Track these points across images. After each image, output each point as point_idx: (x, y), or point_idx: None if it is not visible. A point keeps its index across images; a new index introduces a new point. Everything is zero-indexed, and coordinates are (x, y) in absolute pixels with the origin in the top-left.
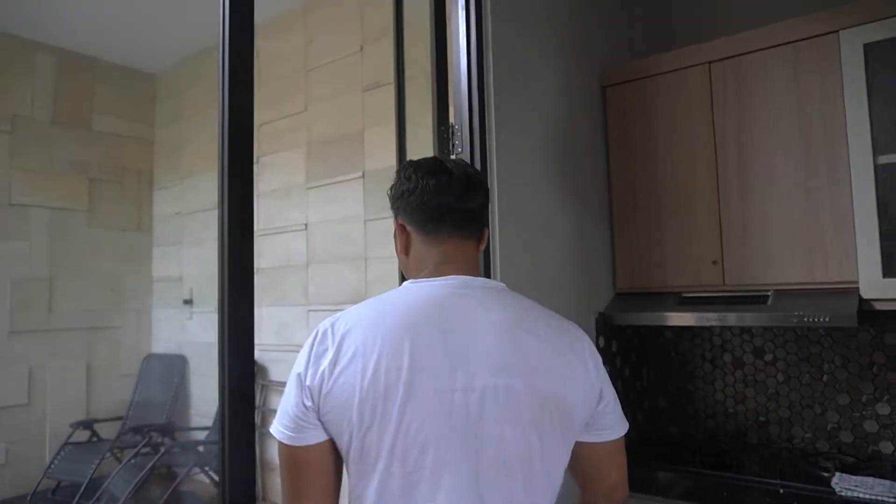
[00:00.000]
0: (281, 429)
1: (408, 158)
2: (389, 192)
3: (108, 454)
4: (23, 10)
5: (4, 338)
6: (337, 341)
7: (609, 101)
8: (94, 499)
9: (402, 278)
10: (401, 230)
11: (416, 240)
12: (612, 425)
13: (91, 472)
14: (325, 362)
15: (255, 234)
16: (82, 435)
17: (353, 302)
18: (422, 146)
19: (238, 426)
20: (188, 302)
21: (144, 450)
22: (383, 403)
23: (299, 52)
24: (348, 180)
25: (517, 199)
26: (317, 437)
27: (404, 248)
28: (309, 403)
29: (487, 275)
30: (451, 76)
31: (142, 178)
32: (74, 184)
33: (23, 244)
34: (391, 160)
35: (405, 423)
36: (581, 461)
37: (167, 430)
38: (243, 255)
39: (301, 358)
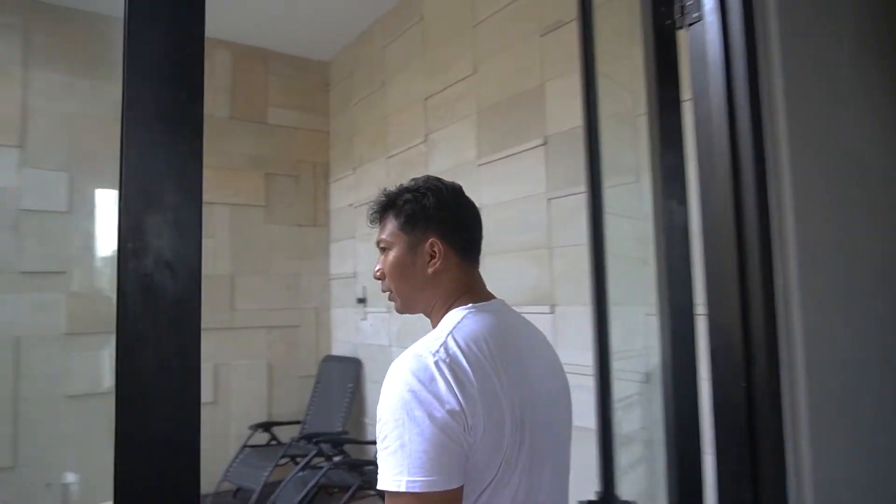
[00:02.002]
0: (434, 478)
1: (599, 115)
2: (420, 202)
3: (284, 461)
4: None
5: None
6: (467, 375)
7: None
8: None
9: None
10: (441, 251)
11: (454, 263)
12: None
13: (263, 479)
14: (474, 396)
15: None
16: (262, 438)
17: (535, 303)
18: (616, 102)
19: None
20: (362, 301)
21: (316, 460)
22: (520, 427)
23: (465, 5)
24: (526, 150)
25: (819, 117)
26: (461, 478)
27: (439, 272)
28: (471, 440)
29: (767, 262)
30: None
31: (317, 171)
32: (252, 179)
33: (207, 241)
34: (576, 119)
35: (534, 440)
36: None
37: (338, 441)
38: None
39: (441, 394)
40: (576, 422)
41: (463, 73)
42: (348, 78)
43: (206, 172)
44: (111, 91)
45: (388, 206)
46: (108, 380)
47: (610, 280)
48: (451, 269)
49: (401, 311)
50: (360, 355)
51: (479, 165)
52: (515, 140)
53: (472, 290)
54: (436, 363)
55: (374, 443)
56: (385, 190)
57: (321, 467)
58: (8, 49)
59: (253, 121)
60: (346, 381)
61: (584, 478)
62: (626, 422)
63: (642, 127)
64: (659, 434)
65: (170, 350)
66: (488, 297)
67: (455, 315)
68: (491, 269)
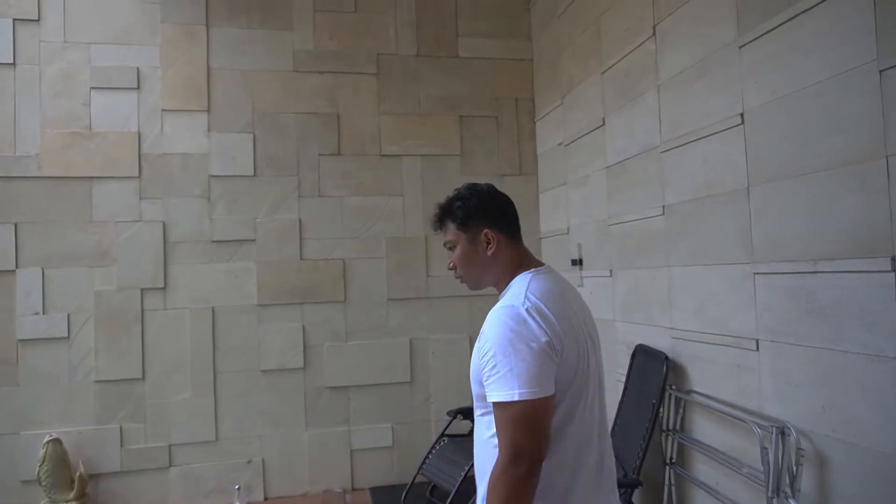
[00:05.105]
0: (536, 389)
1: None
2: (467, 206)
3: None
4: None
5: (382, 305)
6: (549, 317)
7: None
8: None
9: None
10: (493, 237)
11: (504, 243)
12: None
13: (460, 478)
14: (557, 332)
15: (658, 151)
16: (464, 426)
17: (855, 254)
18: None
19: None
20: (577, 262)
21: None
22: (584, 356)
23: None
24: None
25: None
26: (553, 389)
27: (496, 253)
28: (558, 361)
29: None
30: None
31: (520, 107)
32: (444, 124)
33: (395, 199)
34: None
35: (589, 366)
36: None
37: None
38: None
39: (534, 331)
40: None
41: None
42: None
43: (390, 120)
44: (290, 40)
45: (445, 214)
46: (299, 355)
47: None
48: (504, 249)
49: (472, 288)
50: None
51: (742, 47)
52: None
53: (525, 260)
54: (526, 310)
55: None
56: (438, 204)
57: None
58: (193, 8)
59: (442, 56)
60: None
61: None
62: None
63: None
64: None
65: None
66: (539, 263)
67: (522, 279)
68: (771, 203)
